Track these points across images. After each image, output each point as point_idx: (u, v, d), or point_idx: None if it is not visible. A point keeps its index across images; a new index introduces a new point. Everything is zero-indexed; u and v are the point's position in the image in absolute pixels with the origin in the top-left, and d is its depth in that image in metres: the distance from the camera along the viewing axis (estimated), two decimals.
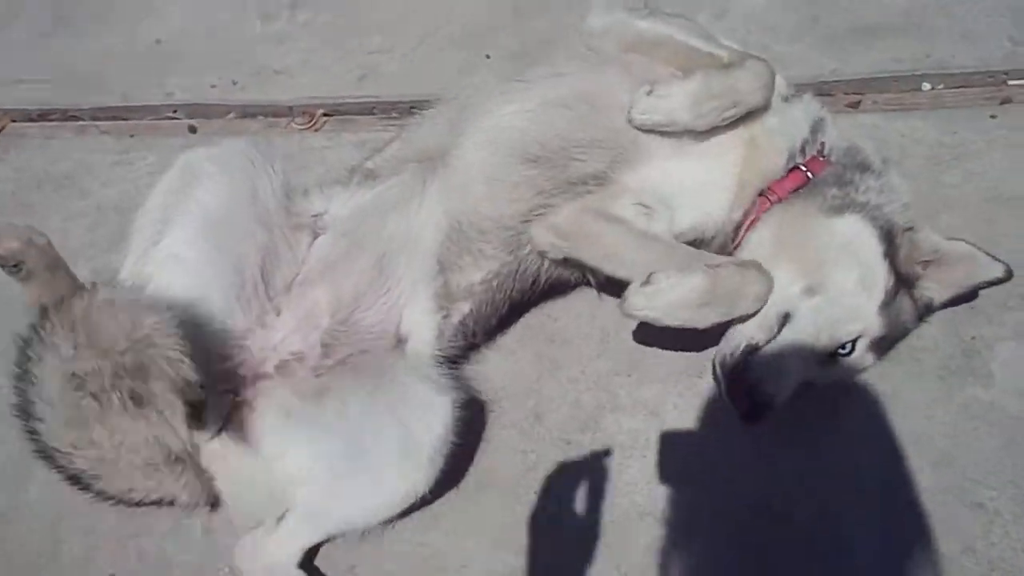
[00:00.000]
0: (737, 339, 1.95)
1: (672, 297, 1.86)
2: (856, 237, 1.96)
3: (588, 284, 2.25)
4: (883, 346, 2.01)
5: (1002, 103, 2.63)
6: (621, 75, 2.08)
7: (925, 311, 2.08)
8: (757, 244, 2.03)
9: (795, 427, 2.07)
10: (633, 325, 2.25)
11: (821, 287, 1.94)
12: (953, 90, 2.70)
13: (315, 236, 2.12)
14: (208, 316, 1.90)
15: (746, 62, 2.01)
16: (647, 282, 1.87)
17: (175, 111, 2.89)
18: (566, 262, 2.13)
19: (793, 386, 1.95)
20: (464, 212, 2.09)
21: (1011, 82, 2.68)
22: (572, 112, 2.08)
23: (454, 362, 2.12)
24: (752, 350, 1.93)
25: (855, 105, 2.70)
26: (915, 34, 2.79)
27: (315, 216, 2.14)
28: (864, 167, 2.08)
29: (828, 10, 2.88)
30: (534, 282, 2.20)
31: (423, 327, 2.08)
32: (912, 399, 2.13)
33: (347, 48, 2.94)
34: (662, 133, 2.01)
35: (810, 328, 1.93)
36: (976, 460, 2.05)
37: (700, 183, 2.07)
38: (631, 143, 2.05)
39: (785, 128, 2.08)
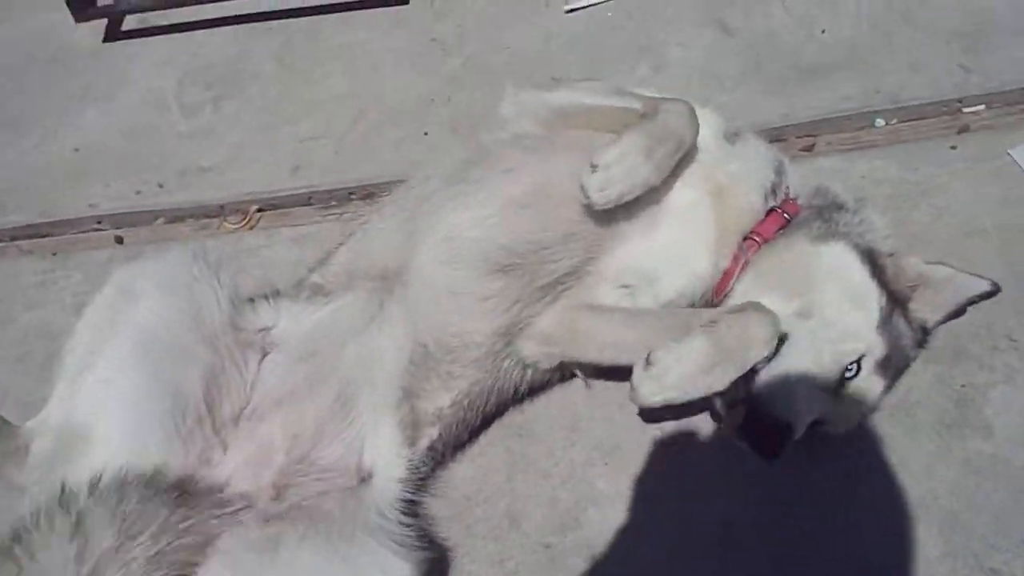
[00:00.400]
0: None
1: (681, 371, 1.74)
2: (842, 261, 1.93)
3: (574, 376, 2.14)
4: (888, 368, 1.92)
5: (960, 132, 2.54)
6: (568, 154, 1.95)
7: (922, 334, 2.02)
8: (750, 284, 1.96)
9: (797, 505, 1.96)
10: (612, 410, 2.13)
11: (815, 308, 1.89)
12: (908, 123, 2.60)
13: (264, 354, 1.95)
14: (142, 453, 1.70)
15: (662, 104, 1.92)
16: (649, 364, 1.76)
17: (99, 222, 2.71)
18: (562, 365, 2.04)
19: (807, 416, 1.84)
20: (430, 333, 1.93)
21: (966, 109, 2.59)
22: (533, 210, 1.95)
23: (421, 490, 1.96)
24: (750, 375, 1.81)
25: (809, 148, 2.60)
26: (862, 69, 2.70)
27: (262, 330, 1.97)
28: (839, 206, 2.07)
29: (770, 54, 2.78)
30: (514, 392, 2.07)
31: (388, 461, 1.89)
32: (912, 458, 2.00)
33: (277, 137, 2.79)
34: (628, 205, 1.87)
35: (810, 349, 1.85)
36: (985, 519, 1.92)
37: (680, 246, 1.98)
38: (604, 228, 1.95)
39: (749, 169, 2.04)
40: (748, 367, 1.78)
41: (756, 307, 1.83)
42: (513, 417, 2.16)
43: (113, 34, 3.15)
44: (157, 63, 3.05)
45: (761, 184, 2.04)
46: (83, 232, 2.71)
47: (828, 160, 2.54)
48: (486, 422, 2.09)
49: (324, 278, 2.07)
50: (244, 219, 2.67)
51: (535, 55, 2.89)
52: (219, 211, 2.69)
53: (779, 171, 2.08)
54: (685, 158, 1.95)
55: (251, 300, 2.00)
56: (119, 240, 2.67)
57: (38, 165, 2.82)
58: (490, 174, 1.99)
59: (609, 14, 2.97)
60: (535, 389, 2.13)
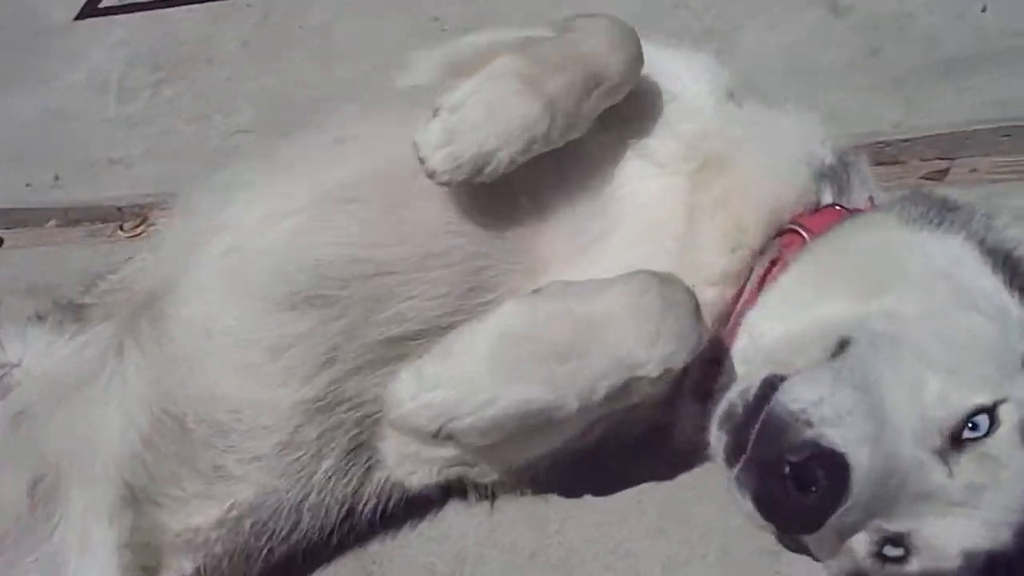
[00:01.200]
0: (747, 380, 1.08)
1: (467, 357, 1.09)
2: (957, 257, 1.15)
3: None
4: None
5: None
6: None
7: None
8: (789, 289, 1.17)
9: None
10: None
11: (914, 309, 1.09)
12: None
13: None
14: None
15: (577, 20, 1.23)
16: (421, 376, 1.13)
17: None
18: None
19: (884, 472, 0.96)
20: (188, 401, 1.19)
21: None
22: (365, 208, 1.20)
23: None
24: (776, 382, 1.02)
25: (940, 175, 1.67)
26: None
27: (4, 367, 1.33)
28: (950, 207, 1.23)
29: (894, 41, 1.89)
30: (347, 516, 1.27)
31: None
32: None
33: (206, 129, 2.21)
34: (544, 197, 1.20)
35: (901, 369, 1.03)
36: None
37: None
38: (493, 243, 1.19)
39: (773, 136, 1.26)
40: (609, 372, 1.06)
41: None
42: (359, 556, 1.35)
43: (88, 11, 2.71)
44: (119, 42, 2.59)
45: (805, 159, 1.26)
46: None
47: (965, 193, 1.56)
48: (296, 562, 1.28)
49: (94, 298, 1.39)
50: (141, 224, 2.06)
51: None
52: (118, 214, 2.11)
53: (845, 162, 1.31)
54: (655, 121, 1.25)
55: None
56: None
57: None
58: (311, 147, 1.25)
59: None
60: (395, 514, 1.31)
